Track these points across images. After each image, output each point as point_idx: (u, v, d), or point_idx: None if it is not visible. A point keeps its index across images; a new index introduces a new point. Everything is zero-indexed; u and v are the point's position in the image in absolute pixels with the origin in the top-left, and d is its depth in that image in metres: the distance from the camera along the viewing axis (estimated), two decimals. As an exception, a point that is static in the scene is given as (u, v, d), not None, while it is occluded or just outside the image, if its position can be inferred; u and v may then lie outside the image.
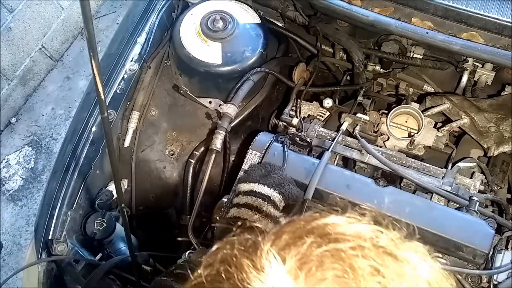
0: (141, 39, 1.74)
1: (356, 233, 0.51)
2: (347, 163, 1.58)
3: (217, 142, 1.58)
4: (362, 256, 0.48)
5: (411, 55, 1.86)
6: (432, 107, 1.70)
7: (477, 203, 1.34)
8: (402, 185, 1.45)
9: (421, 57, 1.85)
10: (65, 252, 1.40)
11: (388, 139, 1.61)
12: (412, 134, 1.61)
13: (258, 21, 1.80)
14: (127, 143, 1.72)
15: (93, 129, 1.58)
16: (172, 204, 1.79)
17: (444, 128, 1.64)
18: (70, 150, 1.56)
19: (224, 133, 1.60)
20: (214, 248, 0.53)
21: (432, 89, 1.92)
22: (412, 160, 1.50)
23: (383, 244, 0.50)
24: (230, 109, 1.64)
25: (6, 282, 1.49)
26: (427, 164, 1.49)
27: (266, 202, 1.24)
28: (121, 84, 1.67)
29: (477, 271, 1.28)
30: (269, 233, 0.52)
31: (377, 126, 1.64)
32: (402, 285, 0.47)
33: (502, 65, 1.57)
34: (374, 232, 0.52)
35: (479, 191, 1.47)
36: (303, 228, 0.52)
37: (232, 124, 1.66)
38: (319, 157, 1.44)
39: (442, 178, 1.43)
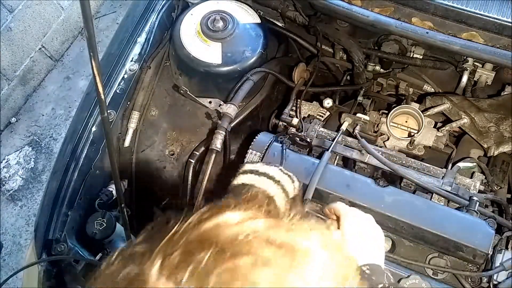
0: (141, 39, 1.74)
1: (252, 230, 0.48)
2: (347, 163, 1.58)
3: (217, 142, 1.58)
4: (262, 265, 0.46)
5: (411, 55, 1.86)
6: (432, 107, 1.70)
7: (477, 203, 1.34)
8: (402, 185, 1.45)
9: (421, 57, 1.85)
10: (65, 252, 1.40)
11: (388, 139, 1.61)
12: (412, 134, 1.61)
13: (258, 21, 1.80)
14: (127, 143, 1.72)
15: (93, 129, 1.58)
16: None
17: (444, 128, 1.64)
18: (70, 150, 1.56)
19: (224, 133, 1.60)
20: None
21: (432, 89, 1.92)
22: (412, 160, 1.50)
23: (280, 241, 0.49)
24: (230, 109, 1.64)
25: (6, 282, 1.48)
26: (427, 164, 1.48)
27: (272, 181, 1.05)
28: (121, 84, 1.67)
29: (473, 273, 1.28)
30: (154, 253, 0.47)
31: (377, 126, 1.64)
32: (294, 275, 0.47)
33: (502, 65, 1.57)
34: (270, 228, 0.49)
35: (479, 191, 1.47)
36: (195, 238, 0.47)
37: (232, 124, 1.67)
38: (319, 157, 1.44)
39: (442, 178, 1.43)
